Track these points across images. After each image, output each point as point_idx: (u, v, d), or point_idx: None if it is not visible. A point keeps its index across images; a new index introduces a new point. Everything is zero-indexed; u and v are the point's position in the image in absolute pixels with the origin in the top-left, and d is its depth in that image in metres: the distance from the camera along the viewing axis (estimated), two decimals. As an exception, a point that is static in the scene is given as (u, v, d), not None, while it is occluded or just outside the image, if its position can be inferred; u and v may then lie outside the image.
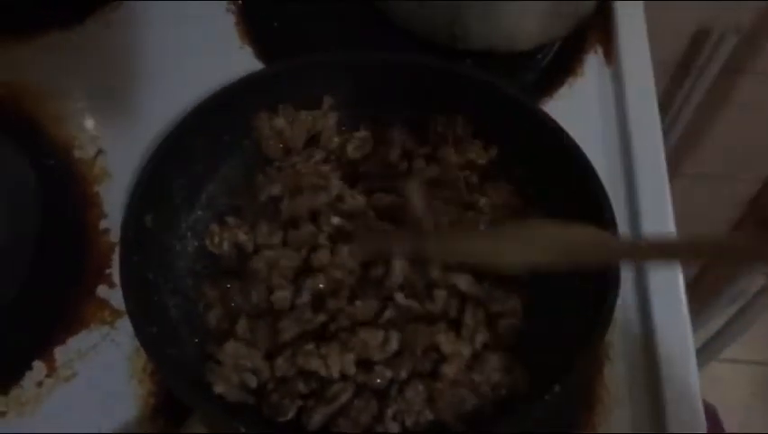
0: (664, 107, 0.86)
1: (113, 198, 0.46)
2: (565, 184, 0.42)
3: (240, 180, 0.45)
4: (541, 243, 0.35)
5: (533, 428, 0.35)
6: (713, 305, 1.05)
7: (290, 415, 0.37)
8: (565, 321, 0.39)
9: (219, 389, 0.37)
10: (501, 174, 0.45)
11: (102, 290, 0.43)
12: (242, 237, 0.42)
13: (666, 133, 0.84)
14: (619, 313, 0.42)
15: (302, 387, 0.37)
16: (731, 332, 0.99)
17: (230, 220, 0.43)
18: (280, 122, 0.45)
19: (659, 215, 0.48)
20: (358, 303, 0.39)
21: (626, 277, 0.44)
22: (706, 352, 1.01)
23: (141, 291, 0.39)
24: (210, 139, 0.44)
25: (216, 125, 0.44)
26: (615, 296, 0.38)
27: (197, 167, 0.44)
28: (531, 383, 0.38)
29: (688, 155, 0.96)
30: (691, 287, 0.47)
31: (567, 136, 0.42)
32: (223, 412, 0.36)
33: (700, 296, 1.07)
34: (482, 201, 0.43)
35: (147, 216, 0.41)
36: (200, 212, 0.44)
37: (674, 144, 0.92)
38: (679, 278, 0.46)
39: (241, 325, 0.39)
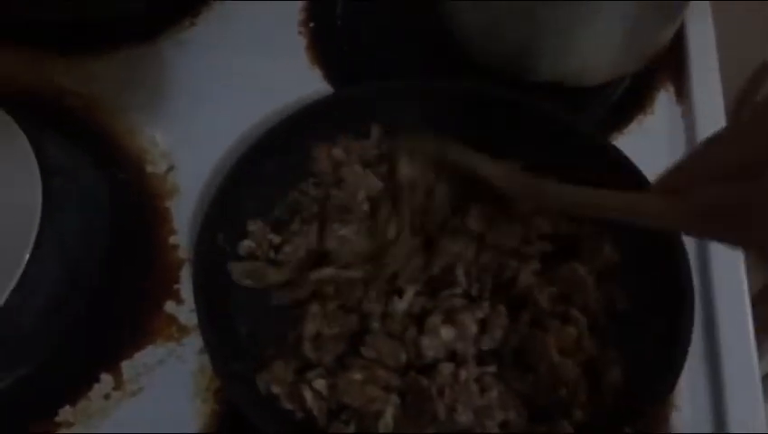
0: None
1: (183, 214, 0.46)
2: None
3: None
4: None
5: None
6: None
7: None
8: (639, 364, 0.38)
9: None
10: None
11: (170, 306, 0.43)
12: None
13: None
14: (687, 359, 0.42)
15: None
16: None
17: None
18: (338, 152, 0.46)
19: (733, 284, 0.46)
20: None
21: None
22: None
23: (212, 308, 0.39)
24: (278, 163, 0.45)
25: (284, 149, 0.45)
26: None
27: (266, 190, 0.44)
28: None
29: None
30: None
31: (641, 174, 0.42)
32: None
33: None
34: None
35: (219, 234, 0.41)
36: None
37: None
38: (748, 326, 0.45)
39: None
